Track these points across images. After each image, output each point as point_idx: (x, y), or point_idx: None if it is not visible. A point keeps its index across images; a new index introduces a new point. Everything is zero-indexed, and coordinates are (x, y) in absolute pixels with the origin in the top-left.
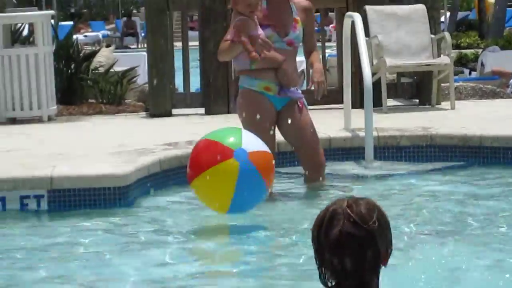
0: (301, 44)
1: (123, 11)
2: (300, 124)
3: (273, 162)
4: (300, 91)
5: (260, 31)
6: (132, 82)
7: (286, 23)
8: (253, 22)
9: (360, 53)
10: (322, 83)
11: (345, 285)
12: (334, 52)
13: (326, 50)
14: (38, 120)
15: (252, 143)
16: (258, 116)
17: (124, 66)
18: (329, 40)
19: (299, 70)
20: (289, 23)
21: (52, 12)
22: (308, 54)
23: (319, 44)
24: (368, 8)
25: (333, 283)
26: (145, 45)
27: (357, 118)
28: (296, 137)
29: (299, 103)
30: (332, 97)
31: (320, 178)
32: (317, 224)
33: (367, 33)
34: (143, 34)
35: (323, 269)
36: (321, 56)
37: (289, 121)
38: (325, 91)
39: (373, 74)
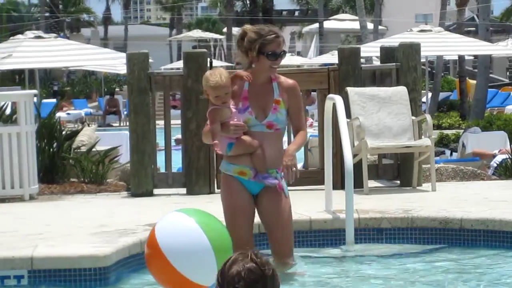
0: (283, 126)
1: (105, 90)
2: (273, 211)
3: None
4: (281, 174)
5: (236, 117)
6: (114, 161)
7: (266, 105)
8: (227, 110)
9: (341, 134)
10: (291, 166)
11: None
12: (316, 133)
13: (308, 130)
14: (20, 199)
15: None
16: (232, 201)
17: (106, 145)
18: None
19: None
20: (269, 105)
21: (34, 91)
22: (295, 134)
23: None
24: (349, 89)
25: None
26: (128, 124)
27: (338, 199)
28: (267, 223)
29: (277, 187)
30: (314, 177)
31: (286, 263)
32: (221, 266)
33: (348, 114)
34: (125, 112)
35: None
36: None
37: (264, 206)
38: (297, 175)
39: (355, 155)
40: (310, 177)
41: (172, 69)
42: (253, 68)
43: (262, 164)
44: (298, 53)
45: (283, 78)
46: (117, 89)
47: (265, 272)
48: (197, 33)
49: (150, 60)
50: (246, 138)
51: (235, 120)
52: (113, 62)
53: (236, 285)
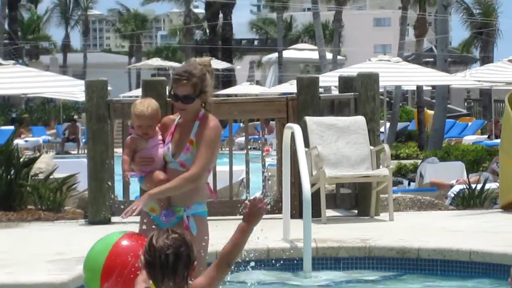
0: None
1: (64, 117)
2: None
3: None
4: (196, 211)
5: (153, 150)
6: (72, 189)
7: (181, 144)
8: (143, 141)
9: (299, 163)
10: (131, 206)
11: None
12: (274, 161)
13: (267, 159)
14: None
15: None
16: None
17: (64, 173)
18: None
19: (239, 179)
20: (183, 144)
21: None
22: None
23: (256, 153)
24: (308, 119)
25: None
26: (86, 151)
27: (296, 228)
28: None
29: (184, 226)
30: (271, 206)
31: None
32: (147, 244)
33: (307, 143)
34: (84, 140)
35: (151, 270)
36: (267, 164)
37: None
38: (135, 212)
39: (313, 184)
40: (268, 206)
41: (131, 97)
42: None
43: (164, 201)
44: (257, 82)
45: (208, 118)
46: (75, 117)
47: (186, 239)
48: (156, 62)
49: (109, 88)
50: (156, 173)
51: (153, 154)
52: (72, 90)
53: (166, 252)
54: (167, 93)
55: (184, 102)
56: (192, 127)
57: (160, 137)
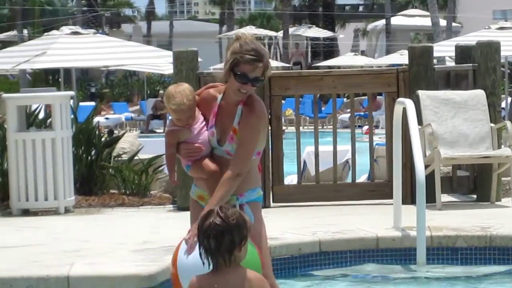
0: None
1: (148, 92)
2: None
3: None
4: (249, 199)
5: (203, 136)
6: (159, 171)
7: (226, 130)
8: (186, 131)
9: (412, 143)
10: (187, 241)
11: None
12: (383, 141)
13: (374, 138)
14: (54, 212)
15: None
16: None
17: (150, 153)
18: (377, 127)
19: (343, 160)
20: (228, 131)
21: (71, 93)
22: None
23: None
24: (421, 93)
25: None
26: None
27: (408, 215)
28: None
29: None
30: (380, 191)
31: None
32: (199, 219)
33: (420, 120)
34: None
35: (201, 248)
36: (375, 144)
37: None
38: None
39: (426, 166)
40: (376, 190)
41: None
42: (227, 84)
43: (211, 190)
44: (362, 53)
45: (252, 103)
46: (161, 92)
47: (229, 223)
48: (250, 30)
49: (199, 59)
50: (206, 163)
51: (199, 141)
52: (157, 61)
53: (209, 235)
54: (228, 71)
55: (254, 85)
56: (235, 112)
57: (201, 118)
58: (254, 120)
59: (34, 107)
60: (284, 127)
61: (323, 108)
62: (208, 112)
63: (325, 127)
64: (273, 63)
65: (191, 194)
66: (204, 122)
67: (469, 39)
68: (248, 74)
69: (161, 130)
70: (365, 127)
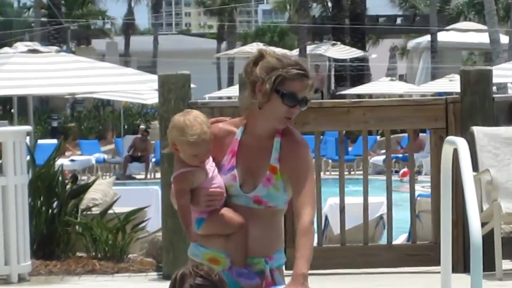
0: (282, 204)
1: (126, 127)
2: None
3: None
4: (277, 263)
5: (217, 180)
6: (139, 229)
7: (256, 171)
8: (201, 173)
9: (464, 194)
10: None
11: None
12: (427, 191)
13: (416, 187)
14: (4, 281)
15: None
16: None
17: (128, 206)
18: (419, 173)
19: (376, 215)
20: (261, 172)
21: (27, 128)
22: (297, 224)
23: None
24: (476, 130)
25: None
26: (158, 175)
27: (460, 286)
28: None
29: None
30: (424, 255)
31: None
32: (170, 286)
33: (475, 165)
34: (154, 159)
35: None
36: (416, 195)
37: None
38: None
39: (483, 224)
40: (419, 255)
41: (221, 98)
42: (255, 111)
43: (238, 252)
44: (401, 77)
45: (293, 132)
46: (142, 127)
47: (213, 280)
48: (257, 48)
49: (192, 86)
50: (225, 212)
51: (214, 186)
52: (138, 88)
53: None
54: (269, 93)
55: (301, 108)
56: (267, 147)
57: (210, 158)
58: (305, 150)
59: None
60: None
61: (350, 149)
62: (220, 153)
63: (352, 172)
64: None
65: (193, 257)
66: (213, 164)
67: None
68: (297, 93)
69: (142, 176)
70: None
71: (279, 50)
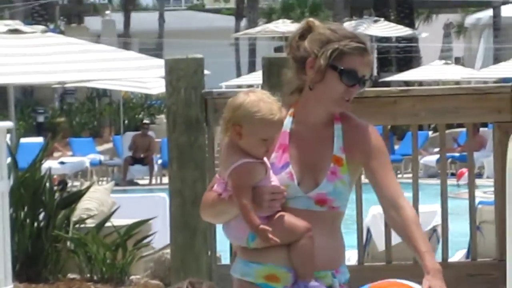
0: (345, 204)
1: (126, 122)
2: None
3: None
4: (343, 278)
5: (273, 178)
6: (143, 245)
7: (316, 166)
8: (263, 167)
9: None
10: None
11: None
12: (490, 198)
13: (476, 193)
14: None
15: None
16: None
17: (129, 217)
18: (480, 176)
19: (428, 227)
20: (323, 165)
21: (8, 124)
22: (391, 217)
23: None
24: None
25: None
26: (165, 180)
27: None
28: None
29: None
30: (486, 275)
31: None
32: None
33: None
34: (160, 161)
35: None
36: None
37: None
38: None
39: None
40: (481, 274)
41: (240, 86)
42: (305, 94)
43: (307, 263)
44: (458, 61)
45: (352, 118)
46: (145, 121)
47: None
48: (283, 26)
49: (206, 72)
50: (286, 216)
51: (272, 184)
52: (140, 75)
53: None
54: (323, 70)
55: (362, 89)
56: (329, 135)
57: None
58: (376, 133)
59: None
60: None
61: (396, 147)
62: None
63: (399, 175)
64: None
65: (244, 277)
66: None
67: None
68: (357, 70)
69: (146, 181)
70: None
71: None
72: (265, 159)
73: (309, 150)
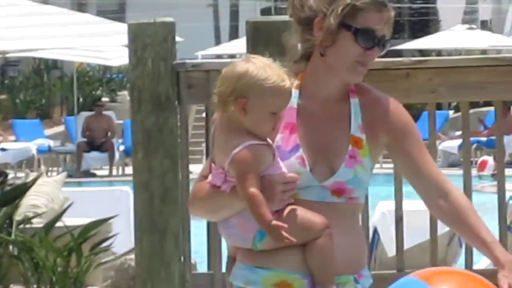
0: (364, 194)
1: (81, 100)
2: None
3: None
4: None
5: (281, 165)
6: (102, 249)
7: (331, 149)
8: (270, 150)
9: None
10: None
11: None
12: None
13: (507, 186)
14: None
15: None
16: None
17: (85, 216)
18: (511, 164)
19: (448, 228)
20: (339, 149)
21: None
22: (437, 207)
23: (483, 173)
24: None
25: None
26: (128, 171)
27: None
28: None
29: None
30: None
31: None
32: None
33: None
34: (122, 148)
35: None
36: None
37: None
38: None
39: None
40: None
41: (221, 56)
42: (314, 61)
43: (325, 266)
44: (484, 25)
45: (372, 92)
46: (104, 99)
47: None
48: None
49: (178, 39)
50: (300, 211)
51: (282, 173)
52: (98, 43)
53: None
54: (335, 30)
55: (382, 51)
56: (345, 112)
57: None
58: (401, 107)
59: None
60: None
61: None
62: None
63: None
64: None
65: (248, 285)
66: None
67: None
68: (375, 29)
69: (105, 171)
70: (481, 159)
71: None
72: (269, 140)
73: (322, 130)
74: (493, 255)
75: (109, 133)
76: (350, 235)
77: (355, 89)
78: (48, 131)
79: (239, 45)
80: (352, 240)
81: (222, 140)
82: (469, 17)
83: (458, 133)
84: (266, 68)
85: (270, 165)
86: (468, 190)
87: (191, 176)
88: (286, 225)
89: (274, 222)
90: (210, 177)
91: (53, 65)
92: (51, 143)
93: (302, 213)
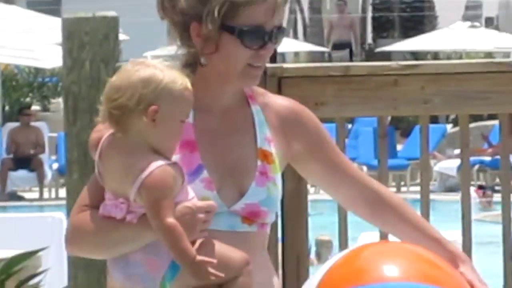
0: (272, 218)
1: (6, 107)
2: None
3: None
4: None
5: (189, 190)
6: (30, 287)
7: (237, 167)
8: (181, 172)
9: None
10: None
11: None
12: None
13: None
14: None
15: None
16: None
17: (10, 248)
18: None
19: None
20: (246, 166)
21: None
22: (383, 214)
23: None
24: None
25: None
26: (61, 193)
27: None
28: None
29: None
30: None
31: None
32: None
33: None
34: (55, 166)
35: None
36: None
37: None
38: None
39: None
40: None
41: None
42: (200, 71)
43: None
44: (489, 22)
45: (269, 95)
46: (35, 107)
47: None
48: None
49: (122, 37)
50: (218, 245)
51: (191, 198)
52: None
53: None
54: (213, 35)
55: (277, 43)
56: (247, 121)
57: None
58: (307, 111)
59: None
60: (310, 187)
61: (399, 147)
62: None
63: (404, 188)
64: (290, 44)
65: None
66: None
67: None
68: (263, 23)
69: (34, 194)
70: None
71: None
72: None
73: (225, 146)
74: (447, 250)
75: (37, 148)
76: (265, 270)
77: (252, 95)
78: None
79: None
80: (268, 276)
81: (119, 165)
82: (472, 13)
83: (457, 151)
84: (168, 70)
85: (179, 190)
86: (467, 218)
87: None
88: (214, 260)
89: (198, 257)
90: (102, 209)
91: None
92: None
93: (219, 247)
